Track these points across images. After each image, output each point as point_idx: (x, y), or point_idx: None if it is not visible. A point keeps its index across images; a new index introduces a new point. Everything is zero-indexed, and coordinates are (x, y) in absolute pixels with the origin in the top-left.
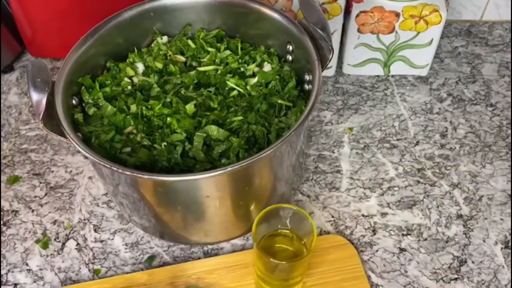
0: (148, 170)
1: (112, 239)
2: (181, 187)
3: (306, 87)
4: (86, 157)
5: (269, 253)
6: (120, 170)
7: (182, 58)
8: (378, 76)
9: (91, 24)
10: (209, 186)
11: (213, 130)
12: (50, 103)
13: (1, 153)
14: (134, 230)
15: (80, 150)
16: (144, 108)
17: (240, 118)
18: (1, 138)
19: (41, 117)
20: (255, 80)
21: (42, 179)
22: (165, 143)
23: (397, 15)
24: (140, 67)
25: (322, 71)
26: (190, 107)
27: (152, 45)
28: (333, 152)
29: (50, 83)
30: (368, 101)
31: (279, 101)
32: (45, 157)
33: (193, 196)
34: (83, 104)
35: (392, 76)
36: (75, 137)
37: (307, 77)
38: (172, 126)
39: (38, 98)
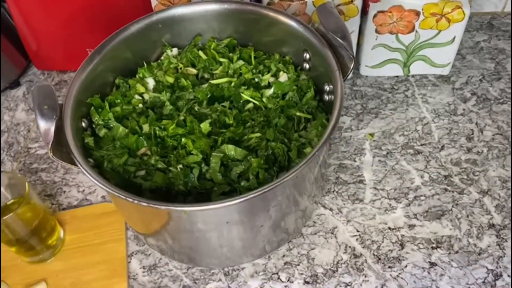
0: (164, 194)
1: (129, 262)
2: (199, 215)
3: (326, 97)
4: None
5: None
6: (136, 201)
7: (194, 71)
8: (397, 76)
9: (96, 33)
10: (229, 213)
11: (230, 150)
12: (59, 129)
13: None
14: (152, 252)
15: (93, 180)
16: (157, 128)
17: (257, 135)
18: (11, 158)
19: (50, 146)
20: (270, 91)
21: (54, 201)
22: (180, 166)
23: (417, 14)
24: (151, 82)
25: (344, 81)
26: (205, 126)
27: (162, 58)
28: (355, 161)
29: (58, 110)
30: (389, 104)
31: (298, 114)
32: (56, 177)
33: (213, 222)
34: (93, 125)
35: (412, 76)
36: (86, 166)
37: (326, 88)
38: (188, 147)
39: (46, 126)
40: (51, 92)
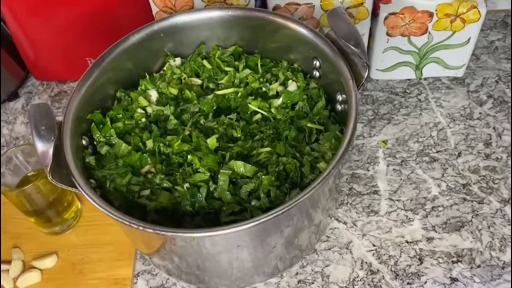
0: (170, 214)
1: (135, 282)
2: (208, 239)
3: (339, 107)
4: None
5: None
6: (141, 228)
7: (198, 81)
8: (409, 80)
9: (96, 41)
10: (241, 236)
11: (239, 166)
12: (58, 149)
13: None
14: (158, 272)
15: (95, 205)
16: (161, 144)
17: (267, 149)
18: (11, 172)
19: (48, 169)
20: (279, 101)
21: None
22: (187, 185)
23: (431, 15)
24: (154, 94)
25: (358, 90)
26: (212, 142)
27: (165, 68)
28: (368, 170)
29: (56, 130)
30: (401, 109)
31: (309, 125)
32: None
33: (223, 246)
34: (94, 142)
35: (425, 79)
36: (88, 189)
37: (339, 97)
38: (194, 165)
39: (44, 148)
40: (49, 110)
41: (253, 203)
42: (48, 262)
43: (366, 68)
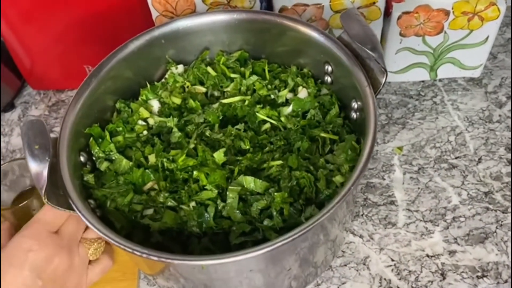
0: (175, 235)
1: None
2: (218, 266)
3: (354, 115)
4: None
5: None
6: (145, 255)
7: (202, 89)
8: (423, 81)
9: (93, 47)
10: (254, 261)
11: (249, 182)
12: (53, 167)
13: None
14: None
15: (95, 230)
16: (165, 160)
17: (278, 162)
18: (6, 187)
19: (43, 192)
20: (289, 109)
21: None
22: (193, 203)
23: (447, 13)
24: (155, 104)
25: (376, 96)
26: (219, 156)
27: (166, 76)
28: (383, 179)
29: (51, 148)
30: (416, 113)
31: (322, 134)
32: None
33: (234, 271)
34: (94, 158)
35: (440, 80)
36: (87, 212)
37: (354, 104)
38: (201, 181)
39: (38, 169)
40: (43, 127)
41: (265, 222)
42: None
43: (384, 73)
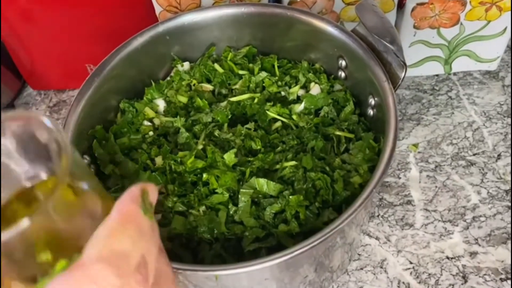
0: (185, 241)
1: None
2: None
3: (370, 112)
4: None
5: None
6: None
7: (209, 87)
8: (437, 75)
9: (94, 45)
10: (269, 270)
11: (262, 185)
12: None
13: None
14: None
15: None
16: (172, 162)
17: (292, 163)
18: None
19: None
20: (301, 106)
21: None
22: (203, 208)
23: (463, 4)
24: (161, 104)
25: (395, 91)
26: (229, 157)
27: (172, 74)
28: (399, 178)
29: None
30: (431, 108)
31: (337, 133)
32: None
33: (248, 280)
34: (97, 161)
35: (455, 74)
36: None
37: (371, 101)
38: (211, 185)
39: None
40: None
41: (280, 227)
42: None
43: (403, 67)
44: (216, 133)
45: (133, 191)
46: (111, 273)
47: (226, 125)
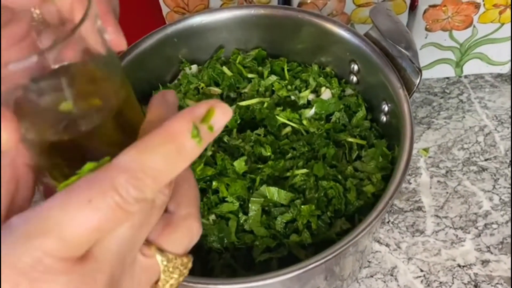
0: (194, 250)
1: None
2: None
3: (383, 118)
4: None
5: None
6: None
7: (218, 90)
8: (448, 78)
9: None
10: (281, 282)
11: (273, 193)
12: None
13: None
14: None
15: None
16: None
17: (303, 171)
18: None
19: None
20: (311, 111)
21: None
22: (213, 216)
23: (477, 6)
24: None
25: (410, 98)
26: (239, 165)
27: (179, 77)
28: (409, 183)
29: None
30: (441, 112)
31: (349, 139)
32: None
33: None
34: None
35: (466, 76)
36: None
37: (384, 107)
38: (221, 193)
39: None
40: None
41: (292, 237)
42: None
43: (419, 73)
44: (225, 138)
45: (197, 109)
46: (133, 187)
47: (235, 130)
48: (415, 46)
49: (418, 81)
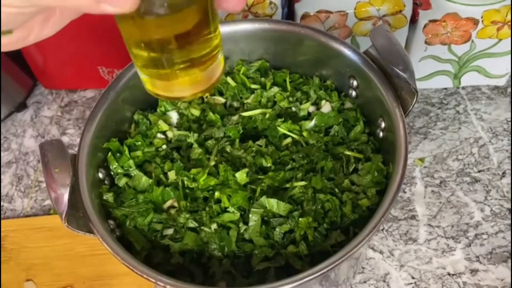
0: (196, 257)
1: None
2: None
3: (380, 133)
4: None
5: None
6: (168, 286)
7: (221, 99)
8: (446, 89)
9: (106, 48)
10: None
11: (272, 205)
12: (73, 186)
13: (23, 212)
14: None
15: (118, 258)
16: (185, 178)
17: (302, 183)
18: (21, 194)
19: (63, 217)
20: (311, 123)
21: None
22: (214, 226)
23: (475, 22)
24: (174, 116)
25: (406, 117)
26: (241, 177)
27: None
28: (404, 192)
29: (71, 172)
30: (438, 122)
31: (347, 152)
32: None
33: None
34: (112, 173)
35: (463, 88)
36: (107, 236)
37: (381, 123)
38: (222, 203)
39: (59, 194)
40: (62, 148)
41: (289, 248)
42: None
43: (415, 94)
44: (228, 149)
45: None
46: None
47: (237, 140)
48: (412, 68)
49: (414, 101)
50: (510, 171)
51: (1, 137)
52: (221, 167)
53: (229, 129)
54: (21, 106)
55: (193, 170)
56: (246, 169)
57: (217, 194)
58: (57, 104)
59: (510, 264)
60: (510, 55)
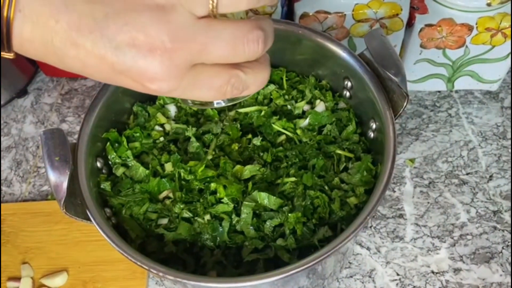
0: (188, 246)
1: None
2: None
3: (371, 134)
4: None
5: None
6: (161, 274)
7: None
8: (439, 92)
9: None
10: (268, 284)
11: (263, 198)
12: (72, 174)
13: (21, 197)
14: None
15: (111, 242)
16: (182, 170)
17: (292, 179)
18: (20, 178)
19: (62, 203)
20: (305, 122)
21: None
22: (208, 216)
23: (470, 28)
24: (172, 109)
25: (396, 119)
26: (251, 170)
27: None
28: (394, 191)
29: (71, 161)
30: (430, 124)
31: (338, 151)
32: None
33: None
34: (110, 163)
35: (456, 91)
36: (103, 224)
37: (372, 124)
38: (218, 194)
39: (58, 182)
40: (63, 137)
41: (278, 242)
42: (59, 280)
43: (406, 98)
44: (227, 149)
45: None
46: None
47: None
48: (404, 72)
49: (405, 104)
50: (497, 175)
51: (1, 122)
52: (222, 160)
53: (229, 128)
54: (22, 92)
55: (191, 162)
56: (257, 165)
57: (213, 185)
58: (57, 92)
59: (492, 264)
60: (503, 61)
